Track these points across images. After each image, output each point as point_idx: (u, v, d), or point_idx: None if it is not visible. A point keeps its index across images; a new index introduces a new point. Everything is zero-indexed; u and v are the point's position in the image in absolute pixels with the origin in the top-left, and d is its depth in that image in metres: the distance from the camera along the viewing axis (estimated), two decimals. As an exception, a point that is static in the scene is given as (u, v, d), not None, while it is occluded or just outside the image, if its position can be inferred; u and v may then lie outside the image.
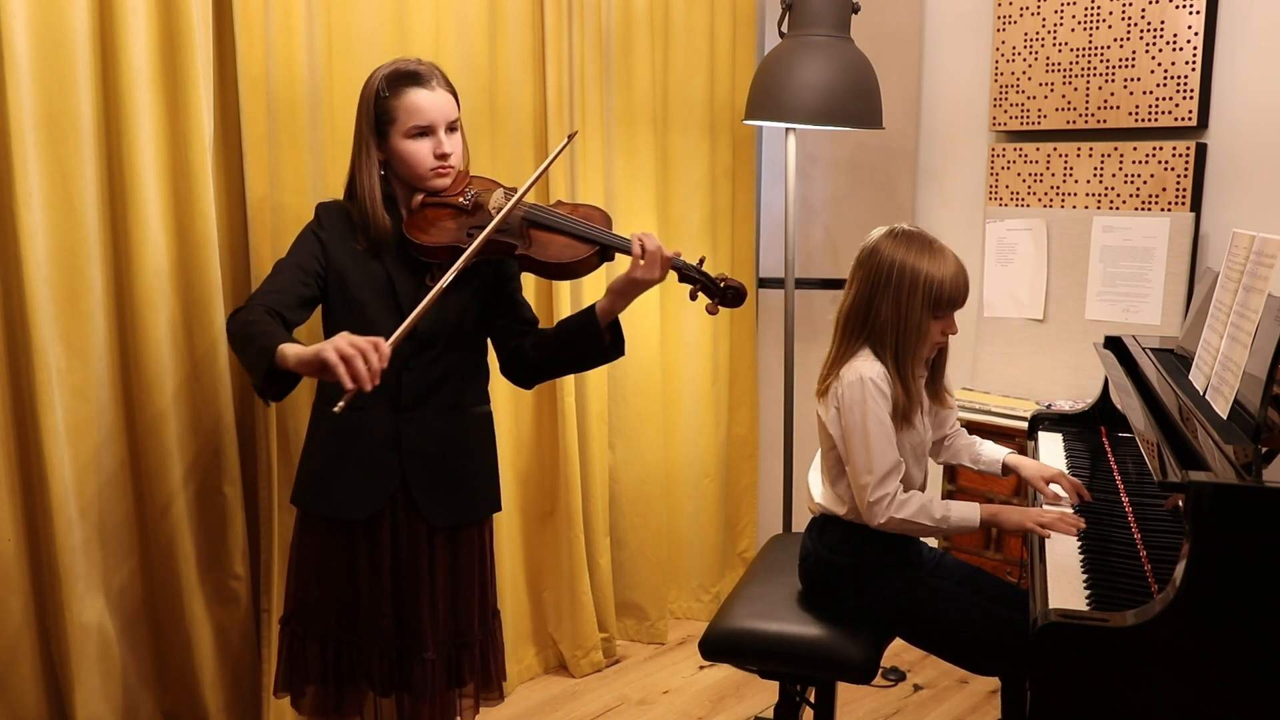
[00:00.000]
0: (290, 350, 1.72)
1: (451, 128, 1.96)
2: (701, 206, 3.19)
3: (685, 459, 3.30)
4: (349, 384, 1.65)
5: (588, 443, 2.98)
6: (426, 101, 1.92)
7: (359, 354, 1.66)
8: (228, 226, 2.24)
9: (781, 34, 2.89)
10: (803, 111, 2.78)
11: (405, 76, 1.93)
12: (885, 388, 1.92)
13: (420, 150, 1.93)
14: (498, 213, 1.92)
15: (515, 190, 1.99)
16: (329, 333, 1.97)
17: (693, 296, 1.99)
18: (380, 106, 1.92)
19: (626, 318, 3.17)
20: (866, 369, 1.93)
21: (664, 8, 3.05)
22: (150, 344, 2.11)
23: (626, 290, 1.93)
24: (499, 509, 2.12)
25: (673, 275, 1.95)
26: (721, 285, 1.96)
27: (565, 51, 2.79)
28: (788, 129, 2.96)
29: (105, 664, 2.12)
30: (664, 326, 3.17)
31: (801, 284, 3.28)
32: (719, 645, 2.03)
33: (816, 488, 2.10)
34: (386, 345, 1.70)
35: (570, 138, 2.04)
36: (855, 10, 2.88)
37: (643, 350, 3.10)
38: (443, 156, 1.94)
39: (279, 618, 2.10)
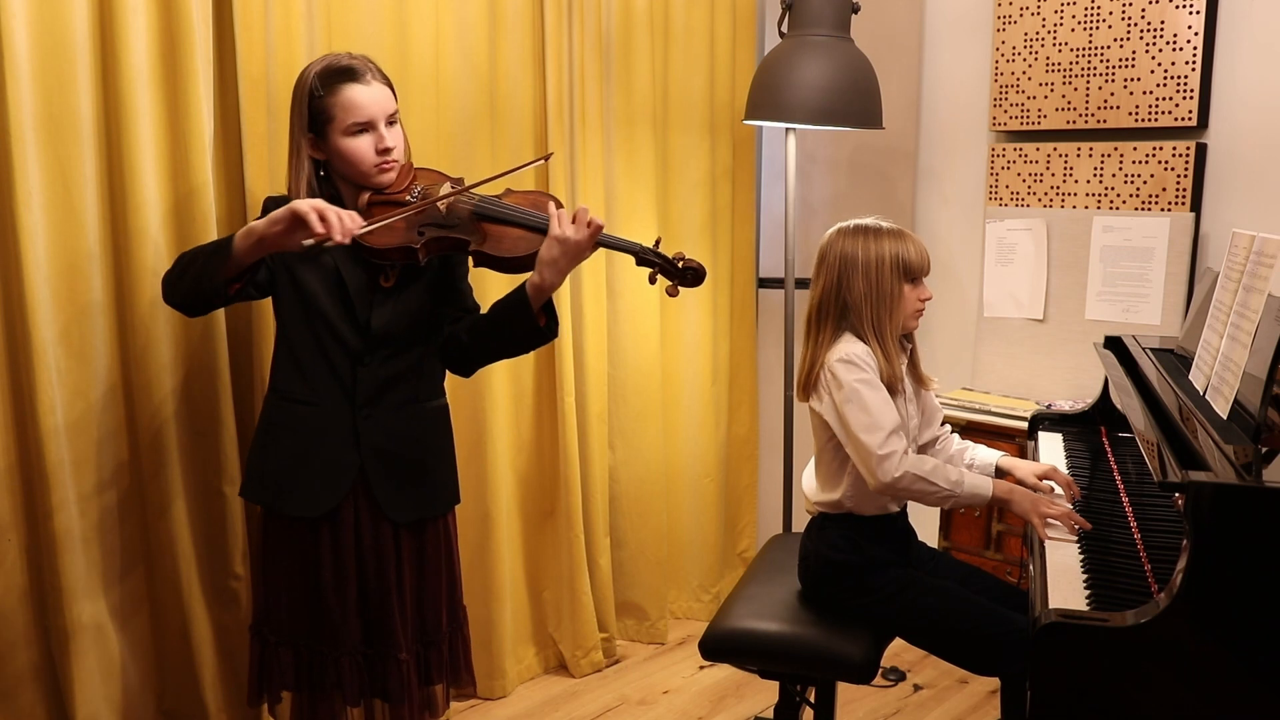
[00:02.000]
0: (254, 223, 1.72)
1: (391, 121, 1.92)
2: (701, 206, 3.19)
3: (685, 459, 3.30)
4: (319, 229, 1.66)
5: (588, 443, 2.98)
6: (364, 97, 1.88)
7: (333, 211, 1.68)
8: (228, 226, 2.23)
9: (781, 34, 2.89)
10: (803, 111, 2.78)
11: (339, 73, 1.88)
12: (871, 362, 1.95)
13: (362, 147, 1.89)
14: (446, 206, 1.86)
15: (462, 180, 1.94)
16: (282, 321, 1.97)
17: (652, 280, 1.94)
18: (315, 105, 1.88)
19: (628, 318, 3.16)
20: (850, 349, 1.96)
21: (664, 8, 3.05)
22: (150, 344, 2.11)
23: (556, 259, 1.82)
24: (458, 501, 2.11)
25: (631, 260, 1.91)
26: (680, 265, 1.89)
27: (565, 51, 2.79)
28: (788, 129, 2.96)
29: (105, 664, 2.12)
30: (664, 327, 3.17)
31: (801, 284, 3.26)
32: (719, 645, 2.03)
33: (811, 487, 2.11)
34: (359, 218, 1.73)
35: (543, 158, 2.01)
36: (855, 10, 2.87)
37: (643, 350, 3.10)
38: (385, 151, 1.90)
39: (249, 625, 2.09)
